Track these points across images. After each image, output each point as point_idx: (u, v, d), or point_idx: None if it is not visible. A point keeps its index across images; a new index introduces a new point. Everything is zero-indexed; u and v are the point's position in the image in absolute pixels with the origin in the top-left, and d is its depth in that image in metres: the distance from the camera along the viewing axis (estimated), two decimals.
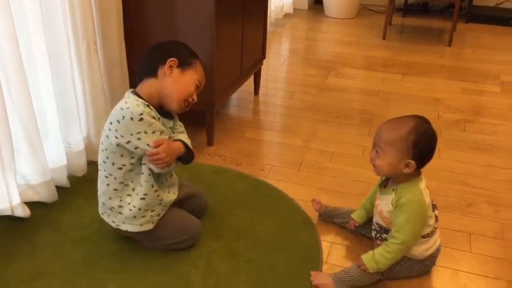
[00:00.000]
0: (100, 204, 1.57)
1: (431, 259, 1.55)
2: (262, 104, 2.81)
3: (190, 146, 1.54)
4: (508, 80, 3.23)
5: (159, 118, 1.46)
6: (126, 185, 1.49)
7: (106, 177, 1.49)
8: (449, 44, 3.93)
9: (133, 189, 1.50)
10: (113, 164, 1.46)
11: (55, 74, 1.77)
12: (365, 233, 1.71)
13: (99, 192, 1.55)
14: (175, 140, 1.51)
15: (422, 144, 1.41)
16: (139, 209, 1.50)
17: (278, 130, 2.50)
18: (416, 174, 1.47)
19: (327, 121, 2.60)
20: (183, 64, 1.49)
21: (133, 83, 2.20)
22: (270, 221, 1.78)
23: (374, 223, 1.59)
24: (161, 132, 1.43)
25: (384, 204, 1.52)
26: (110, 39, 2.02)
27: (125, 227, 1.54)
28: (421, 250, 1.51)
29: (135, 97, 1.44)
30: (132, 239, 1.62)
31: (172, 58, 1.47)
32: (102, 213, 1.57)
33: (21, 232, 1.67)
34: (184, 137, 1.56)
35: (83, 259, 1.57)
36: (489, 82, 3.20)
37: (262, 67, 2.89)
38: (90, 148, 2.01)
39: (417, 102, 2.87)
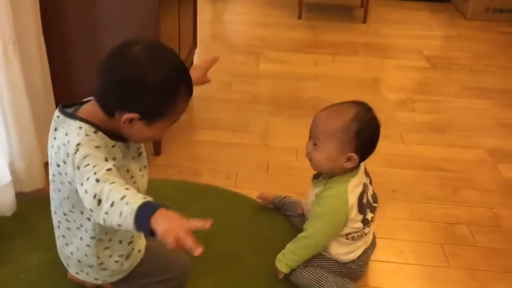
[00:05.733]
0: (72, 263, 1.21)
1: (357, 263, 1.36)
2: (199, 100, 2.50)
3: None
4: (432, 54, 3.25)
5: (113, 146, 1.05)
6: (100, 239, 1.13)
7: (78, 228, 1.12)
8: (364, 21, 3.89)
9: (110, 240, 1.15)
10: (82, 213, 1.09)
11: None
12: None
13: (68, 249, 1.18)
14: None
15: (365, 135, 1.24)
16: (127, 256, 1.18)
17: (228, 128, 2.23)
18: (352, 168, 1.29)
19: (277, 113, 2.38)
20: (150, 118, 1.02)
21: (58, 93, 1.80)
22: (261, 242, 1.53)
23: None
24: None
25: (312, 196, 1.36)
26: (26, 39, 1.59)
27: (114, 278, 1.21)
28: (340, 251, 1.33)
29: (78, 123, 1.01)
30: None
31: (130, 115, 0.99)
32: (77, 273, 1.21)
33: None
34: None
35: None
36: (415, 58, 3.20)
37: None
38: (16, 178, 1.59)
39: (358, 85, 2.76)
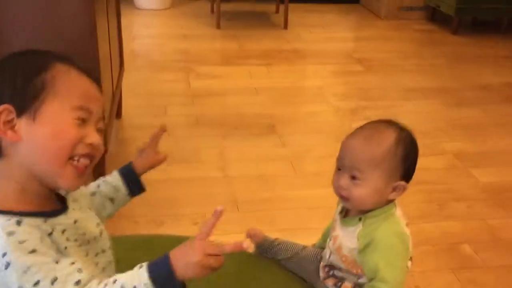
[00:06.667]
0: None
1: None
2: (135, 130, 2.17)
3: None
4: (362, 57, 3.18)
5: (49, 234, 0.72)
6: None
7: None
8: (285, 27, 3.75)
9: None
10: None
11: None
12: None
13: None
14: None
15: (411, 157, 1.06)
16: None
17: (179, 161, 1.92)
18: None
19: (227, 135, 2.13)
20: (27, 106, 0.73)
21: None
22: None
23: (326, 261, 1.17)
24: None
25: (346, 238, 1.13)
26: None
27: None
28: None
29: None
30: None
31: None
32: None
33: None
34: None
35: None
36: (348, 62, 3.11)
37: None
38: None
39: (303, 95, 2.61)
